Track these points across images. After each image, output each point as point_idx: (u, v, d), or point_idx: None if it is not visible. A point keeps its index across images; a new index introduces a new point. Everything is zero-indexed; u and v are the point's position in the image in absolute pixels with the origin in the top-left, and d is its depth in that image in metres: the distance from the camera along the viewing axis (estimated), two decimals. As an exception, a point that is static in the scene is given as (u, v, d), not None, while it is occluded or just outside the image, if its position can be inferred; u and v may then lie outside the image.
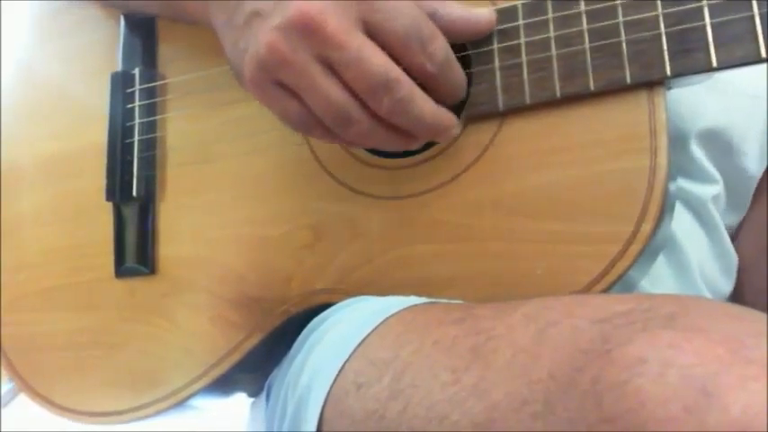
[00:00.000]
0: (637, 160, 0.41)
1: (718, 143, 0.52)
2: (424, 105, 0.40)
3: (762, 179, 0.55)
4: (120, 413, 0.55)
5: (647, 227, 0.40)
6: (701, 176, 0.52)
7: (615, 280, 0.41)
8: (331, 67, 0.39)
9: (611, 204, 0.41)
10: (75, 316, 0.58)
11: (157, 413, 0.54)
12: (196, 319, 0.53)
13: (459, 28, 0.42)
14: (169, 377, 0.53)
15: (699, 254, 0.52)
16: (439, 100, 0.42)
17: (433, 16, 0.41)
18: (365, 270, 0.48)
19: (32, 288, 0.60)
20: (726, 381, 0.24)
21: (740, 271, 0.55)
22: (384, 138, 0.42)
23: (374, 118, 0.40)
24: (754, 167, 0.53)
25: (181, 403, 0.53)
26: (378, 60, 0.38)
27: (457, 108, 0.45)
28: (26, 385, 0.59)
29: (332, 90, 0.39)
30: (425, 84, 0.41)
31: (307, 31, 0.37)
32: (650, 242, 0.41)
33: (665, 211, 0.41)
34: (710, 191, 0.52)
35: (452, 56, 0.41)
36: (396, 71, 0.38)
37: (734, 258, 0.55)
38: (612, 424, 0.25)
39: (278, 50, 0.38)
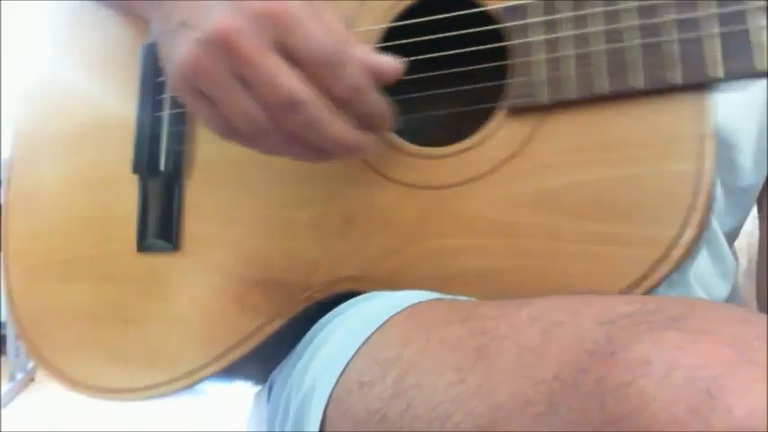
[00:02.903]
0: (683, 164, 0.40)
1: (717, 143, 0.51)
2: (333, 127, 0.41)
3: (762, 192, 0.54)
4: (132, 390, 0.54)
5: (690, 232, 0.39)
6: None
7: (654, 285, 0.40)
8: (245, 83, 0.41)
9: (654, 207, 0.40)
10: (94, 288, 0.57)
11: (171, 393, 0.53)
12: (217, 299, 0.52)
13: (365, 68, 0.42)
14: (185, 357, 0.52)
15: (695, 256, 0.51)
16: (360, 123, 0.43)
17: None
18: (394, 260, 0.47)
19: (52, 258, 0.59)
20: (730, 383, 0.24)
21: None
22: (297, 151, 0.44)
23: (284, 133, 0.42)
24: (751, 167, 0.52)
25: (194, 384, 0.52)
26: (285, 82, 0.40)
27: (494, 99, 0.44)
28: (39, 354, 0.58)
29: (244, 104, 0.41)
30: (341, 106, 0.42)
31: (223, 47, 0.40)
32: (693, 249, 0.40)
33: (710, 217, 0.40)
34: None
35: (365, 85, 0.42)
36: (302, 93, 0.40)
37: (731, 262, 0.54)
38: (616, 425, 0.25)
39: (197, 63, 0.40)
